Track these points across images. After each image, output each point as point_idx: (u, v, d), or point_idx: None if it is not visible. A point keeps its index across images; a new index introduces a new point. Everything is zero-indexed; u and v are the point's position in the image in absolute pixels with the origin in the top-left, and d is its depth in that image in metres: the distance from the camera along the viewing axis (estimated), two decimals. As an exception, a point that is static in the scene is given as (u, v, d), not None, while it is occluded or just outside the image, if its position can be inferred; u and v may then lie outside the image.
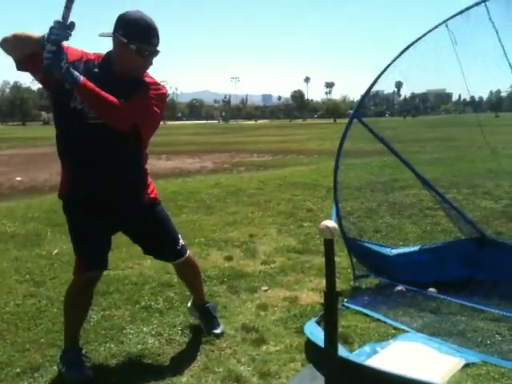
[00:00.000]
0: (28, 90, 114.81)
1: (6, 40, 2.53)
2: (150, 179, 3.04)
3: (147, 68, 2.74)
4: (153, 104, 2.69)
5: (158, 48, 2.69)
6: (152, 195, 3.01)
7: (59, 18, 2.34)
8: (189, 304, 3.53)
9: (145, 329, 3.42)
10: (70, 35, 2.37)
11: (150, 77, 2.80)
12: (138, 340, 3.26)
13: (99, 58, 2.74)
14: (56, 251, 5.36)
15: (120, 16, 2.64)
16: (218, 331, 3.31)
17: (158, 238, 3.06)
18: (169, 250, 3.11)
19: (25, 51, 2.48)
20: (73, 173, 2.78)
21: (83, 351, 2.98)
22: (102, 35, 2.67)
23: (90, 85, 2.47)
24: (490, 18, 3.50)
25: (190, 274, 3.34)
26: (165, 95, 2.85)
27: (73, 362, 2.84)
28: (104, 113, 2.57)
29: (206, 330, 3.32)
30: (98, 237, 2.86)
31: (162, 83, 2.87)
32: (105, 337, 3.29)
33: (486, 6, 3.50)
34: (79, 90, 2.46)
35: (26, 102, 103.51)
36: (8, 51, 2.54)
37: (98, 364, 2.96)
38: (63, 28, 2.34)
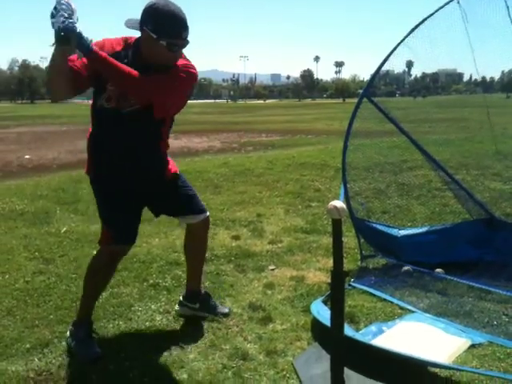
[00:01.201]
0: (37, 68, 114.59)
1: (52, 83, 2.55)
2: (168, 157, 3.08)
3: (177, 60, 2.66)
4: (178, 82, 2.64)
5: (188, 38, 2.62)
6: (173, 170, 3.07)
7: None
8: (177, 307, 3.37)
9: (153, 306, 3.46)
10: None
11: (184, 58, 2.74)
12: (146, 317, 3.29)
13: (128, 44, 2.69)
14: (65, 229, 5.39)
15: (148, 8, 2.55)
16: (226, 310, 3.33)
17: (187, 198, 3.13)
18: (196, 204, 3.17)
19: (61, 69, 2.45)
20: (104, 160, 2.81)
21: (93, 327, 3.02)
22: (128, 26, 2.61)
23: (103, 54, 2.45)
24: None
25: (200, 243, 3.29)
26: (195, 75, 2.77)
27: (83, 338, 2.88)
28: (123, 83, 2.56)
29: (214, 313, 3.27)
30: (128, 210, 2.90)
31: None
32: (113, 314, 3.33)
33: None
34: (93, 57, 2.43)
35: (34, 81, 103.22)
36: (58, 88, 2.55)
37: (107, 340, 3.00)
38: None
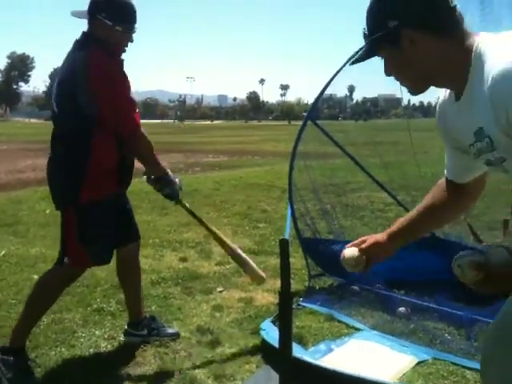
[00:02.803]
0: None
1: None
2: None
3: (129, 41, 2.85)
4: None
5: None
6: None
7: None
8: (123, 337, 3.25)
9: (97, 332, 3.35)
10: None
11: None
12: (90, 343, 3.19)
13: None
14: (3, 252, 5.17)
15: None
16: (174, 330, 3.28)
17: (133, 221, 3.24)
18: (136, 229, 3.23)
19: None
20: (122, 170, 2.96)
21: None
22: (76, 16, 2.76)
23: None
24: None
25: (136, 267, 3.22)
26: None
27: (25, 366, 2.75)
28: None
29: (162, 336, 3.20)
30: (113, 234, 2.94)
31: None
32: (55, 340, 3.20)
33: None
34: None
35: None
36: None
37: (49, 368, 2.88)
38: None
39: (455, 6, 1.24)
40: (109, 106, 2.70)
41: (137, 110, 2.87)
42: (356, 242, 1.65)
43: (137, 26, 2.84)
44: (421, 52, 1.26)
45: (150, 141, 2.91)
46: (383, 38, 1.27)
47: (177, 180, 3.21)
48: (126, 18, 2.77)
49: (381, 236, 1.64)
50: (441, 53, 1.25)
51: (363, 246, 1.62)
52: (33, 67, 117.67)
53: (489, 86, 1.16)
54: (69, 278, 2.93)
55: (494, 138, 1.21)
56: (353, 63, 1.42)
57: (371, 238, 1.63)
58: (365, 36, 1.34)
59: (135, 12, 2.83)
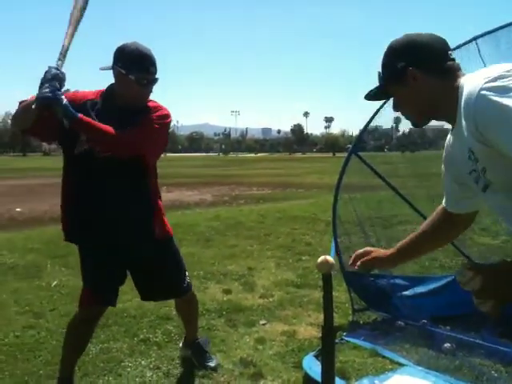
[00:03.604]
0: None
1: (15, 118, 2.67)
2: (163, 212, 3.01)
3: (148, 96, 2.81)
4: (153, 128, 2.75)
5: (157, 76, 2.77)
6: (165, 229, 2.97)
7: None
8: (180, 344, 3.56)
9: (143, 362, 3.43)
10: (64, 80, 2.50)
11: (153, 101, 2.88)
12: (137, 373, 3.27)
13: (100, 93, 2.82)
14: (55, 283, 5.37)
15: (118, 49, 2.74)
16: (212, 364, 3.31)
17: (168, 274, 3.03)
18: (176, 288, 3.11)
19: (30, 118, 2.54)
20: (82, 212, 2.80)
21: None
22: (102, 69, 2.78)
23: (87, 118, 2.57)
24: (480, 55, 3.61)
25: (189, 309, 3.36)
26: (168, 116, 2.89)
27: None
28: (103, 143, 2.66)
29: (199, 365, 3.31)
30: (110, 271, 2.88)
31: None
32: (103, 369, 3.30)
33: (476, 43, 3.61)
34: (77, 123, 2.53)
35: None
36: (19, 125, 2.67)
37: (96, 397, 2.96)
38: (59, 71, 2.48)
39: (453, 58, 1.53)
40: None
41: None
42: (359, 252, 1.90)
43: (156, 76, 2.76)
44: (421, 87, 1.51)
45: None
46: (393, 75, 1.56)
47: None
48: (140, 67, 2.68)
49: (383, 252, 1.90)
50: (436, 89, 1.50)
51: (364, 259, 1.88)
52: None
53: (462, 106, 1.38)
54: (87, 317, 2.92)
55: (474, 149, 1.39)
56: (368, 99, 1.69)
57: (374, 253, 1.89)
58: (379, 76, 1.63)
59: (150, 60, 2.73)
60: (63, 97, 2.45)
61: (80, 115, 2.53)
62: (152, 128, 2.74)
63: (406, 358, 3.39)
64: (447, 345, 3.49)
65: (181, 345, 3.54)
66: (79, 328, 2.93)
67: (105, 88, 2.85)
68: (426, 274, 5.27)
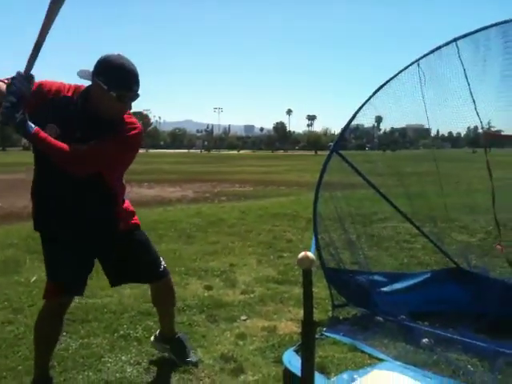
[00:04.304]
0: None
1: None
2: (131, 207, 3.08)
3: (125, 112, 2.75)
4: (119, 147, 2.68)
5: (138, 92, 2.69)
6: (133, 221, 3.05)
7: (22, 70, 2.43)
8: (152, 338, 3.49)
9: (123, 357, 3.42)
10: (31, 88, 2.46)
11: (129, 115, 2.81)
12: (117, 368, 3.26)
13: (77, 92, 2.73)
14: (34, 278, 5.32)
15: (101, 61, 2.63)
16: (193, 359, 3.31)
17: (140, 259, 3.05)
18: (150, 270, 3.11)
19: None
20: (45, 211, 2.80)
21: (53, 380, 2.97)
22: (81, 76, 2.67)
23: (43, 135, 2.50)
24: (459, 57, 3.67)
25: (166, 299, 3.30)
26: (138, 135, 2.83)
27: None
28: (58, 160, 2.60)
29: (179, 361, 3.30)
30: (78, 260, 2.85)
31: (145, 111, 2.97)
32: (83, 365, 3.29)
33: (456, 45, 3.67)
34: (32, 139, 2.50)
35: (5, 128, 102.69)
36: None
37: (76, 392, 2.95)
38: (24, 80, 2.41)
39: None
40: None
41: None
42: None
43: (138, 92, 2.69)
44: None
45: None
46: None
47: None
48: (123, 85, 2.60)
49: None
50: None
51: None
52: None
53: None
54: (55, 310, 2.91)
55: None
56: None
57: None
58: None
59: (134, 78, 2.65)
60: (18, 114, 2.38)
61: (34, 131, 2.47)
62: (118, 146, 2.67)
63: (384, 353, 3.44)
64: (425, 340, 3.55)
65: (152, 339, 3.48)
66: (49, 322, 2.90)
67: (83, 86, 2.76)
68: (404, 271, 5.35)
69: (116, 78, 2.59)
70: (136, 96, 2.70)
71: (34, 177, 2.81)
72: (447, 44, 3.69)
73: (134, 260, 3.03)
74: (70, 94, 2.72)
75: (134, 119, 2.84)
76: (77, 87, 2.78)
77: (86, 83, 2.72)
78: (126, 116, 2.78)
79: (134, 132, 2.78)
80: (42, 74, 2.88)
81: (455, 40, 3.65)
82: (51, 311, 2.89)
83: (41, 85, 2.65)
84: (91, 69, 2.65)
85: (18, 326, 3.96)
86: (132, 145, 2.81)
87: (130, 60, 2.68)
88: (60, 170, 2.63)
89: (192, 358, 3.33)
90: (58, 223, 2.79)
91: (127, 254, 3.00)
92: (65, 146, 2.55)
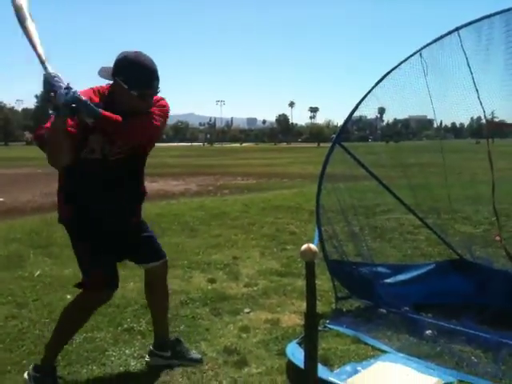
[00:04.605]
0: (12, 110, 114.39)
1: (54, 157, 2.62)
2: None
3: (148, 108, 2.76)
4: (154, 119, 2.76)
5: (159, 87, 2.74)
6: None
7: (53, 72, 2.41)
8: (147, 358, 3.27)
9: (127, 351, 3.43)
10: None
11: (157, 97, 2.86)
12: (120, 362, 3.27)
13: (102, 94, 2.74)
14: (38, 273, 5.33)
15: (120, 59, 2.66)
16: (197, 356, 3.26)
17: (150, 245, 3.13)
18: (158, 251, 3.16)
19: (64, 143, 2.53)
20: (87, 201, 2.82)
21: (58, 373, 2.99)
22: (101, 76, 2.70)
23: (106, 112, 2.54)
24: (462, 46, 3.63)
25: (163, 287, 3.24)
26: (167, 109, 2.91)
27: None
28: (122, 133, 2.67)
29: (184, 361, 3.21)
30: (113, 257, 2.95)
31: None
32: (87, 359, 3.29)
33: (458, 34, 3.63)
34: (102, 119, 2.51)
35: (9, 123, 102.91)
36: (63, 161, 2.65)
37: (80, 386, 2.97)
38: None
39: None
40: None
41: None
42: None
43: (159, 88, 2.74)
44: None
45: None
46: None
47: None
48: (143, 83, 2.65)
49: None
50: None
51: None
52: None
53: None
54: (93, 303, 3.00)
55: None
56: None
57: None
58: None
59: (153, 75, 2.69)
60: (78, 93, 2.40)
61: (101, 110, 2.51)
62: (153, 119, 2.76)
63: (387, 345, 3.44)
64: (428, 331, 3.55)
65: (148, 358, 3.27)
66: (85, 313, 2.97)
67: (101, 89, 2.77)
68: (408, 263, 5.34)
69: (135, 76, 2.62)
70: (157, 92, 2.75)
71: (71, 186, 2.83)
72: (449, 33, 3.65)
73: (144, 243, 3.11)
74: (98, 101, 2.68)
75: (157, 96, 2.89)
76: (97, 91, 2.77)
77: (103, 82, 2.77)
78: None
79: (163, 107, 2.86)
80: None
81: (457, 29, 3.61)
82: (96, 303, 2.99)
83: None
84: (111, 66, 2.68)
85: (22, 321, 3.97)
86: (162, 115, 2.84)
87: (148, 56, 2.70)
88: (106, 167, 2.76)
89: (195, 355, 3.28)
90: (106, 223, 2.85)
91: (142, 239, 3.10)
92: (120, 118, 2.60)
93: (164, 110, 2.86)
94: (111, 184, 2.82)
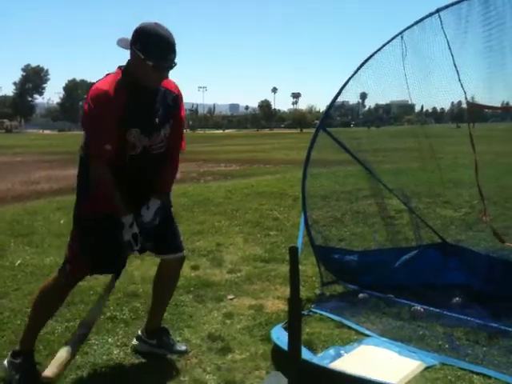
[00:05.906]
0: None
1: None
2: None
3: (163, 80, 2.78)
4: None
5: (175, 61, 2.71)
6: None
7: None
8: (134, 341, 3.30)
9: (110, 339, 3.41)
10: None
11: (171, 81, 2.92)
12: (103, 351, 3.25)
13: (123, 84, 2.69)
14: (19, 262, 5.26)
15: (138, 30, 2.64)
16: (182, 348, 3.22)
17: (173, 235, 3.18)
18: (180, 243, 3.18)
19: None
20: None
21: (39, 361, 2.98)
22: (120, 45, 2.70)
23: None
24: (443, 28, 3.62)
25: (174, 280, 3.25)
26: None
27: (30, 369, 2.85)
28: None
29: (169, 352, 3.19)
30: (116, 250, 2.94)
31: None
32: (69, 348, 3.26)
33: (439, 16, 3.62)
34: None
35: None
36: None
37: (63, 376, 2.93)
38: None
39: None
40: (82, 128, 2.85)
41: (107, 145, 2.68)
42: None
43: (175, 60, 2.70)
44: None
45: (105, 179, 2.73)
46: None
47: (134, 227, 2.79)
48: (159, 54, 2.62)
49: None
50: None
51: None
52: (47, 79, 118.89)
53: None
54: (69, 286, 2.99)
55: None
56: None
57: None
58: None
59: (171, 48, 2.66)
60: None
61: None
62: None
63: (370, 329, 3.47)
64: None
65: (135, 342, 3.29)
66: (61, 294, 2.97)
67: (116, 74, 2.74)
68: (391, 247, 5.37)
69: (152, 47, 2.62)
70: (173, 65, 2.71)
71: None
72: (430, 15, 3.63)
73: (174, 232, 3.18)
74: (125, 98, 2.68)
75: (175, 83, 2.97)
76: (117, 80, 2.71)
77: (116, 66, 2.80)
78: (172, 83, 2.92)
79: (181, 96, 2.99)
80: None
81: (438, 11, 3.60)
82: (70, 285, 2.97)
83: (105, 105, 2.64)
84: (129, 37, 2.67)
85: (2, 311, 3.91)
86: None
87: (167, 28, 2.68)
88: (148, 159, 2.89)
89: (180, 346, 3.24)
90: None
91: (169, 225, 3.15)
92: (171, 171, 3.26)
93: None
94: (151, 172, 2.97)
